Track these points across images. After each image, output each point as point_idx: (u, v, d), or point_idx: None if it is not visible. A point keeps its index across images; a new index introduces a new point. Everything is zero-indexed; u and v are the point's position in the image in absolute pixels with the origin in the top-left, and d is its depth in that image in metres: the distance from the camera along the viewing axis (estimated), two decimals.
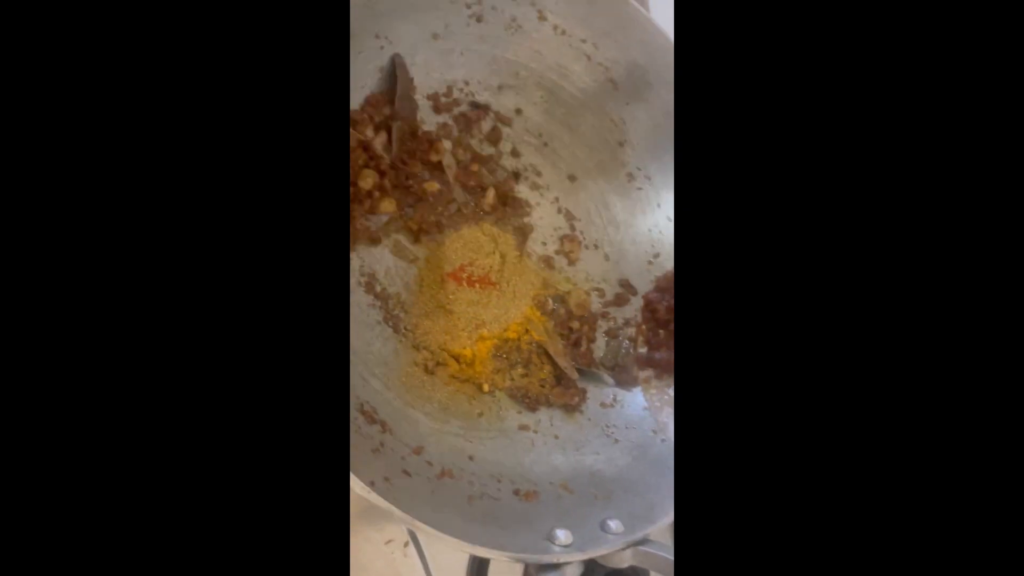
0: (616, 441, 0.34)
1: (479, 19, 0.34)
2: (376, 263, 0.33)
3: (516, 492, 0.29)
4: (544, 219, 0.40)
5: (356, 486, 0.22)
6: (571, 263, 0.40)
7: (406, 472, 0.26)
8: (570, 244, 0.40)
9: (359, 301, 0.32)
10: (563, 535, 0.26)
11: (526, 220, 0.39)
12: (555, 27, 0.36)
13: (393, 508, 0.22)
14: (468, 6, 0.34)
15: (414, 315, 0.34)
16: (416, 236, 0.35)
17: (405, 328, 0.33)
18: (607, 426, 0.35)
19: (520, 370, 0.36)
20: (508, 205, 0.39)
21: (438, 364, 0.33)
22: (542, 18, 0.36)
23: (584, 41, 0.37)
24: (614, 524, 0.27)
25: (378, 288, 0.33)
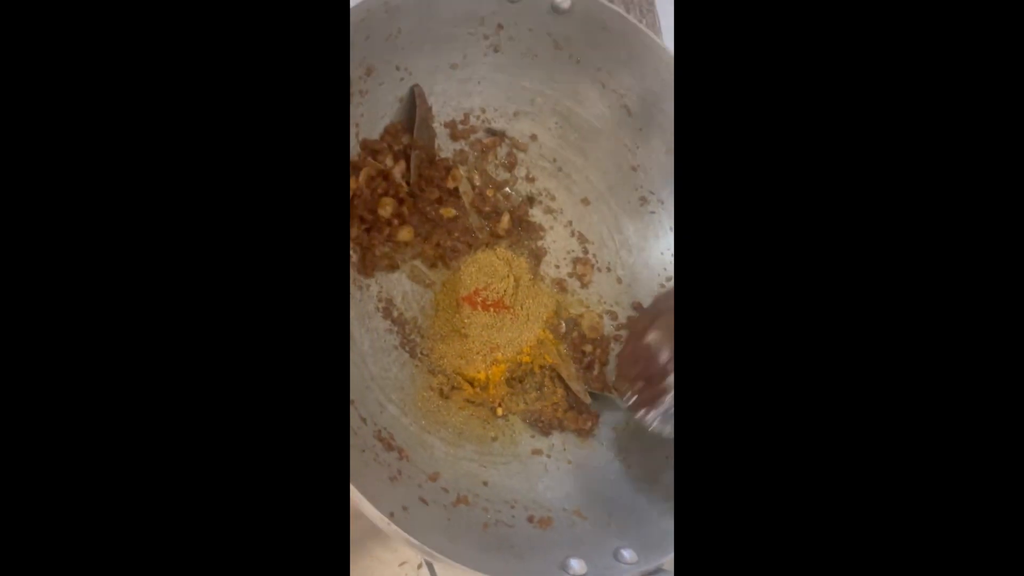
0: (629, 467, 0.34)
1: (496, 49, 0.35)
2: (394, 288, 0.34)
3: (530, 519, 0.30)
4: (557, 242, 0.40)
5: (375, 518, 0.22)
6: (584, 286, 0.40)
7: (423, 500, 0.27)
8: (583, 267, 0.40)
9: (376, 327, 0.32)
10: (577, 565, 0.26)
11: (540, 243, 0.40)
12: (571, 56, 0.37)
13: (412, 539, 0.23)
14: (486, 37, 0.34)
15: (430, 339, 0.34)
16: (433, 262, 0.36)
17: (421, 352, 0.34)
18: (620, 451, 0.35)
19: (533, 394, 0.36)
20: (522, 229, 0.39)
21: (453, 388, 0.34)
22: (558, 47, 0.36)
23: (599, 69, 0.37)
24: (628, 554, 0.28)
25: (395, 313, 0.33)
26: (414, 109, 0.33)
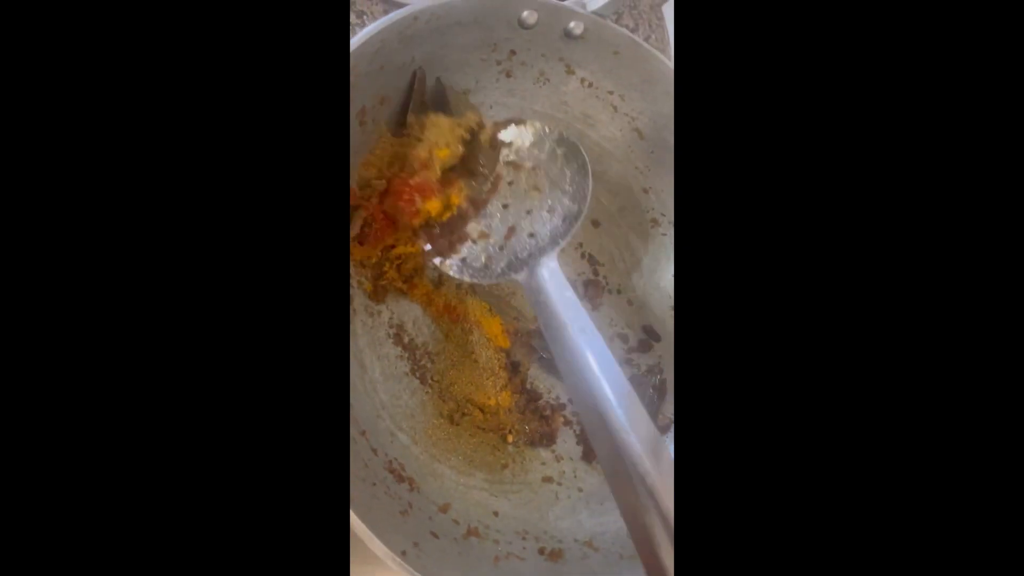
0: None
1: (509, 75, 0.35)
2: (404, 314, 0.34)
3: (541, 551, 0.29)
4: (568, 264, 0.40)
5: (387, 556, 0.22)
6: (594, 308, 0.40)
7: (433, 534, 0.27)
8: (593, 289, 0.40)
9: (388, 353, 0.32)
10: None
11: None
12: (582, 80, 0.37)
13: None
14: (499, 63, 0.34)
15: (440, 365, 0.34)
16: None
17: (432, 379, 0.34)
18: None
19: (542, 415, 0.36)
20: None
21: (463, 415, 0.34)
22: (570, 72, 0.36)
23: (611, 93, 0.37)
24: None
25: (406, 339, 0.33)
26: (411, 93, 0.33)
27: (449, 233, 0.31)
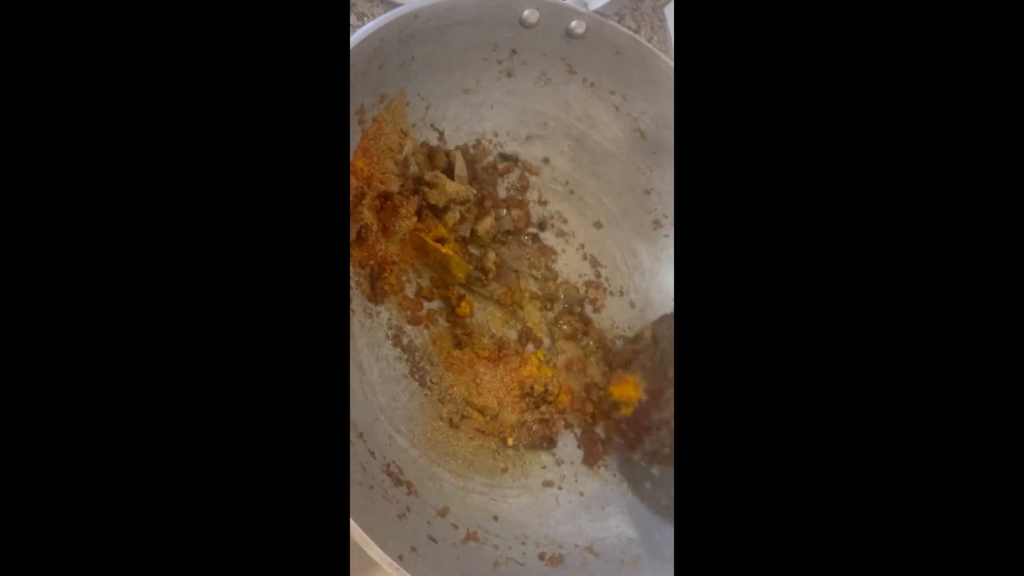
0: (643, 499, 0.33)
1: (509, 74, 0.35)
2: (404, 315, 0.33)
3: (541, 556, 0.29)
4: (569, 266, 0.40)
5: (384, 562, 0.22)
6: (596, 310, 0.40)
7: (432, 538, 0.26)
8: (595, 291, 0.40)
9: (386, 355, 0.32)
10: None
11: (552, 267, 0.39)
12: (584, 80, 0.36)
13: None
14: (500, 62, 0.34)
15: (440, 367, 0.34)
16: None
17: (431, 381, 0.33)
18: (633, 483, 0.34)
19: (543, 408, 0.35)
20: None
21: (463, 418, 0.33)
22: (571, 72, 0.36)
23: (613, 93, 0.37)
24: None
25: (405, 341, 0.33)
26: None
27: (636, 426, 0.32)
